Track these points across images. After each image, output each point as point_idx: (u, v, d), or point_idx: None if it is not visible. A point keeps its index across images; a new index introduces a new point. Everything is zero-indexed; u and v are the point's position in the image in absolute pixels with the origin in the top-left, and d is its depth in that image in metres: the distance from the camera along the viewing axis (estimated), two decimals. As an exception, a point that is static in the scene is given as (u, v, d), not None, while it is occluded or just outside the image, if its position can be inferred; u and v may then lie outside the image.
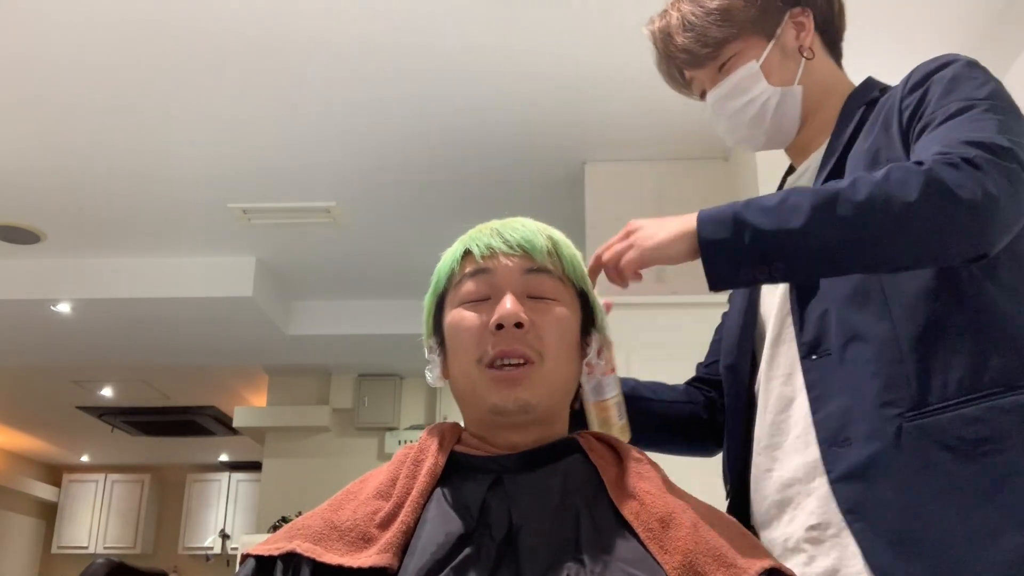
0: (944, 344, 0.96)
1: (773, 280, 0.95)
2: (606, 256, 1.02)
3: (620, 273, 1.02)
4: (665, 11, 1.22)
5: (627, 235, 1.02)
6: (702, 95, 1.22)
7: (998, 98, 1.00)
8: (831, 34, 1.20)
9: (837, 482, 0.97)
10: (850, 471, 0.96)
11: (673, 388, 1.27)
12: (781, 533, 1.03)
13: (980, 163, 0.90)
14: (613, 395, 1.04)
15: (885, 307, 0.99)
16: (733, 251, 0.92)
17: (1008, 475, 0.89)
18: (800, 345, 1.05)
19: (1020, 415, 0.91)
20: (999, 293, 0.96)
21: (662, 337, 2.34)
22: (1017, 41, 2.38)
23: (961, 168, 0.90)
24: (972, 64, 1.05)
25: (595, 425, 1.04)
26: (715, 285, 0.95)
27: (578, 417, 1.04)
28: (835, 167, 1.08)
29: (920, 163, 0.91)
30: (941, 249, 0.91)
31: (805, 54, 1.15)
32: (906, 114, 1.03)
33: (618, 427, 1.05)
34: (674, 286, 2.66)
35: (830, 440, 0.99)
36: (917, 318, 0.97)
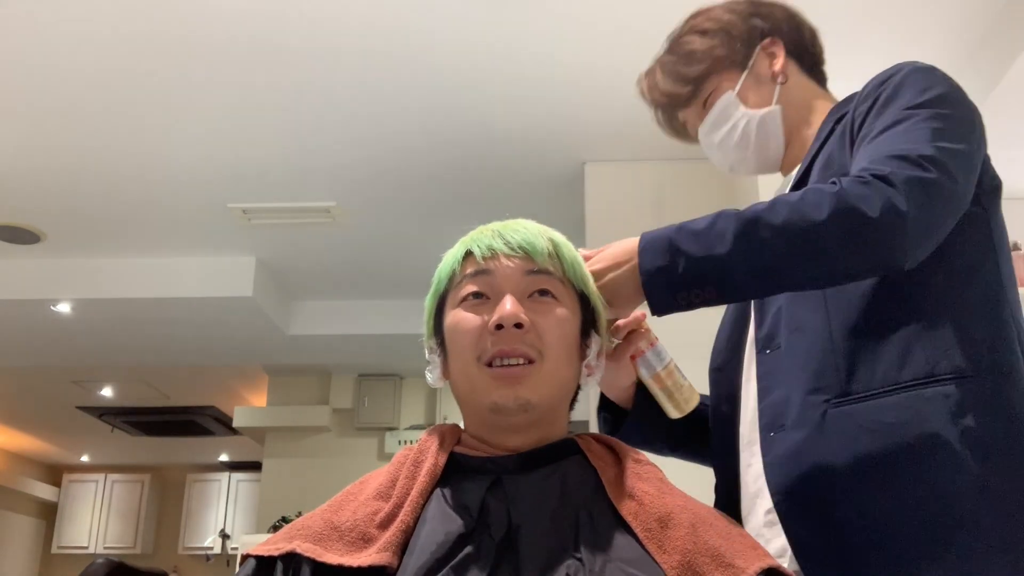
0: (872, 337, 1.00)
1: (709, 303, 0.99)
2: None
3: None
4: (651, 67, 1.31)
5: (592, 271, 1.04)
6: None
7: (942, 103, 1.02)
8: (807, 59, 1.27)
9: (769, 466, 1.03)
10: (780, 456, 1.02)
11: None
12: (754, 523, 1.08)
13: (893, 179, 0.94)
14: (670, 359, 1.11)
15: (822, 300, 1.04)
16: (669, 277, 0.97)
17: (932, 448, 0.92)
18: (757, 340, 1.11)
19: (941, 403, 0.94)
20: (928, 294, 1.00)
21: (662, 337, 2.33)
22: (1017, 41, 2.38)
23: (871, 184, 0.94)
24: (921, 69, 1.07)
25: (664, 398, 1.11)
26: (657, 310, 0.99)
27: (642, 410, 1.14)
28: (803, 177, 1.14)
29: (835, 183, 0.95)
30: (853, 266, 0.95)
31: (779, 79, 1.23)
32: (856, 123, 1.08)
33: (687, 386, 1.12)
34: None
35: (769, 427, 1.05)
36: (850, 311, 1.02)
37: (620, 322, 1.08)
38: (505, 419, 0.90)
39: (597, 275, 1.01)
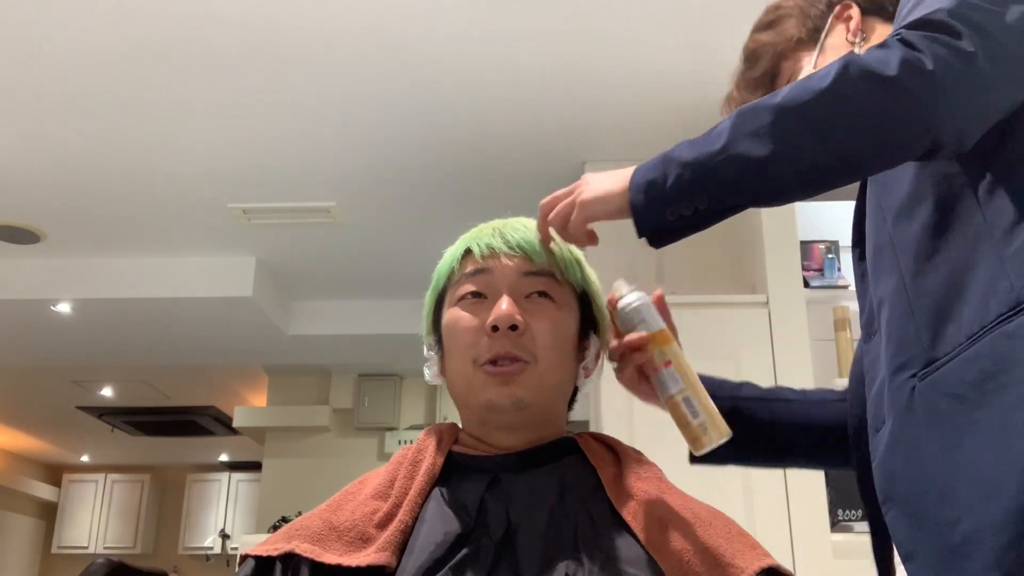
0: (948, 281, 0.83)
1: (702, 217, 0.85)
2: (551, 218, 0.94)
3: (570, 237, 0.94)
4: (729, 90, 1.19)
5: (571, 191, 0.93)
6: None
7: None
8: (889, 7, 1.10)
9: (876, 471, 0.89)
10: (881, 456, 0.88)
11: (832, 391, 1.14)
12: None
13: (913, 39, 0.79)
14: (676, 390, 0.92)
15: (894, 257, 0.88)
16: (660, 190, 0.85)
17: (1013, 412, 0.74)
18: (861, 331, 0.96)
19: None
20: (1000, 210, 0.81)
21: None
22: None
23: (889, 46, 0.80)
24: None
25: (679, 427, 0.94)
26: (643, 229, 0.87)
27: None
28: None
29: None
30: (872, 142, 0.80)
31: (857, 40, 1.08)
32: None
33: (695, 425, 0.91)
34: (674, 286, 2.66)
35: (874, 426, 0.90)
36: (919, 258, 0.85)
37: (613, 343, 0.96)
38: (500, 417, 0.90)
39: (582, 183, 0.92)
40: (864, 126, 0.80)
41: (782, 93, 0.83)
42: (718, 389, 1.05)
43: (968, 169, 0.84)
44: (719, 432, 0.91)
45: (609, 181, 0.90)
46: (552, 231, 0.95)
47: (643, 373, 0.96)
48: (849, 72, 0.79)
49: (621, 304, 0.96)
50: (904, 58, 0.78)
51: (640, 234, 0.88)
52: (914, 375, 0.83)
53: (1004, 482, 0.74)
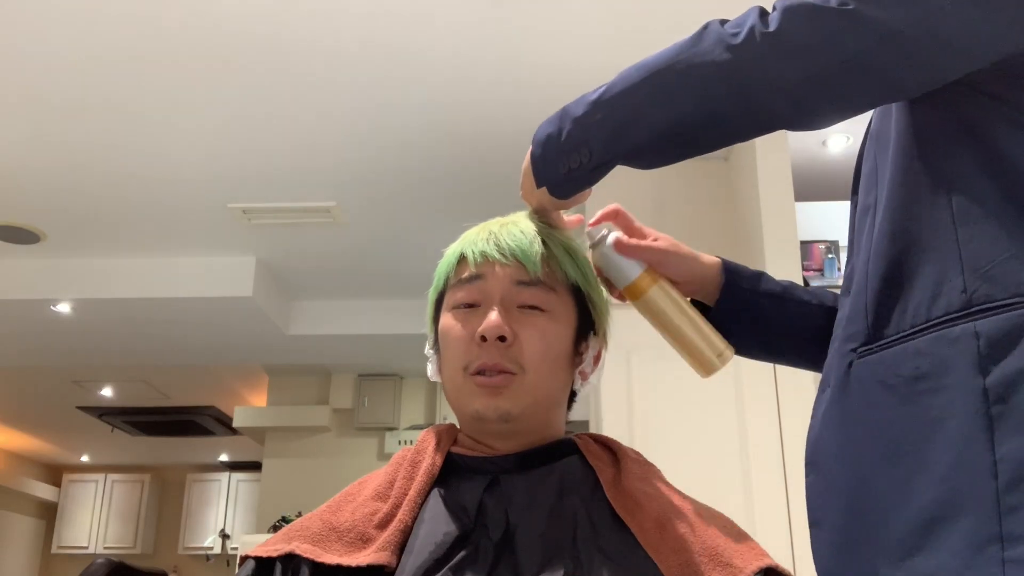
0: (906, 263, 0.81)
1: (588, 171, 0.87)
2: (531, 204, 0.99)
3: (557, 223, 0.98)
4: None
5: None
6: None
7: None
8: None
9: (809, 431, 0.90)
10: (815, 420, 0.89)
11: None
12: None
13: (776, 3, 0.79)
14: (665, 337, 0.96)
15: (872, 224, 0.86)
16: (555, 143, 0.89)
17: (939, 419, 0.74)
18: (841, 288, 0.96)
19: (968, 345, 0.73)
20: (968, 193, 0.78)
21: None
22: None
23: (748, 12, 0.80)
24: None
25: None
26: (540, 181, 0.91)
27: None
28: None
29: None
30: (709, 107, 0.81)
31: None
32: None
33: (691, 362, 0.96)
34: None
35: (821, 385, 0.91)
36: (886, 236, 0.83)
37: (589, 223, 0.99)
38: (488, 427, 0.91)
39: (528, 199, 0.96)
40: (701, 93, 0.80)
41: (659, 52, 0.84)
42: (739, 279, 1.03)
43: (950, 145, 0.81)
44: (715, 361, 0.95)
45: (526, 160, 0.94)
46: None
47: None
48: (705, 34, 0.81)
49: (592, 256, 0.98)
50: (752, 24, 0.78)
51: (538, 185, 0.92)
52: (854, 350, 0.83)
53: (915, 492, 0.74)
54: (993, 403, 0.71)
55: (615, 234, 0.99)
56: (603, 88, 0.87)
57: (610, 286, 1.00)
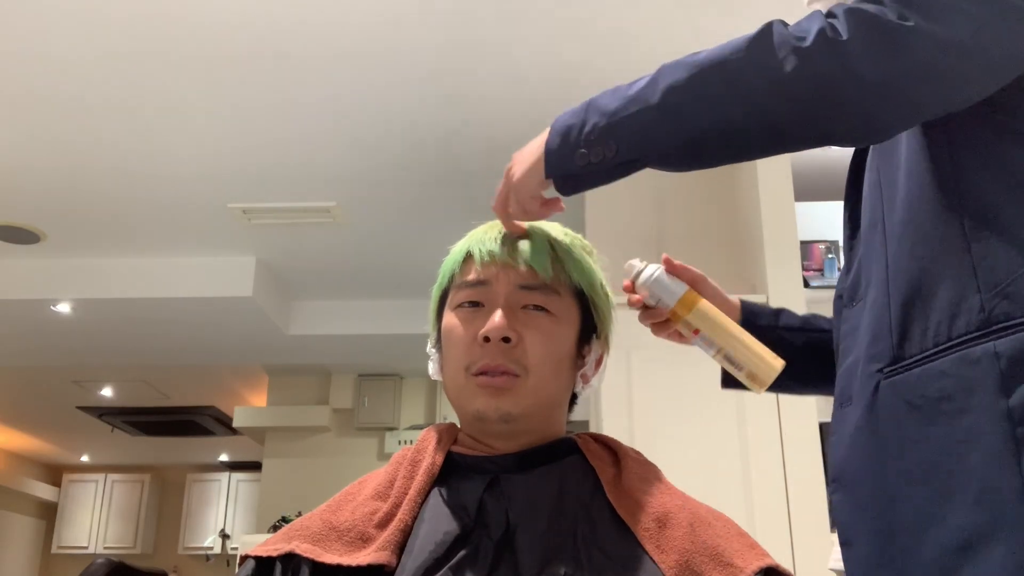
0: (926, 281, 0.81)
1: (609, 167, 0.84)
2: (495, 206, 0.95)
3: (528, 216, 0.95)
4: None
5: (506, 176, 0.94)
6: None
7: None
8: None
9: (832, 446, 0.91)
10: (841, 435, 0.89)
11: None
12: None
13: (837, 11, 0.77)
14: (714, 351, 0.98)
15: (884, 240, 0.86)
16: (576, 135, 0.85)
17: (966, 442, 0.75)
18: (843, 289, 0.95)
19: (990, 365, 0.74)
20: (985, 211, 0.78)
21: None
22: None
23: (812, 17, 0.78)
24: None
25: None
26: (550, 171, 0.87)
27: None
28: None
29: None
30: (775, 111, 0.78)
31: None
32: None
33: (743, 375, 0.97)
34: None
35: (839, 398, 0.91)
36: (902, 250, 0.83)
37: (632, 298, 1.00)
38: (488, 427, 0.91)
39: (511, 166, 0.93)
40: (767, 90, 0.77)
41: (708, 50, 0.80)
42: (757, 318, 1.08)
43: (959, 159, 0.82)
44: (770, 370, 0.95)
45: (530, 149, 0.91)
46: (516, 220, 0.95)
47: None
48: (761, 39, 0.77)
49: (637, 286, 1.01)
50: (821, 31, 0.75)
51: (547, 174, 0.88)
52: (880, 370, 0.84)
53: (947, 514, 0.75)
54: (1018, 424, 0.72)
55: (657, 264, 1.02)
56: (641, 83, 0.84)
57: (653, 314, 1.02)
